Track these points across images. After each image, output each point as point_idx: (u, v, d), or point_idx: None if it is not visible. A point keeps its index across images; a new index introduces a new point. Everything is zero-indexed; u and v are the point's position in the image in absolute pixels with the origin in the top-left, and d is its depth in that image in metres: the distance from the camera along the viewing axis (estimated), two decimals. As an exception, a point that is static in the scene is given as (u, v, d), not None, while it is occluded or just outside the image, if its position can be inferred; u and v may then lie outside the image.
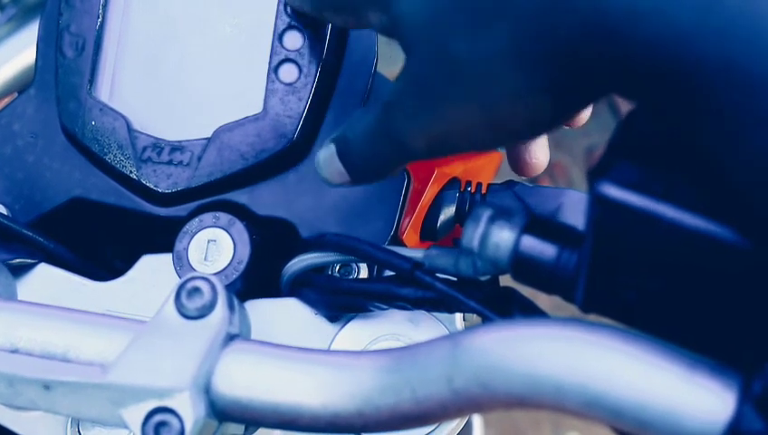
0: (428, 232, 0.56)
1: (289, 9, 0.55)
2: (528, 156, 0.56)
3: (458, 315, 0.52)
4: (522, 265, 0.39)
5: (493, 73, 0.36)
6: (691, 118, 0.31)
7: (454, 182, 0.57)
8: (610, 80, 0.33)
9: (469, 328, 0.37)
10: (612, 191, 0.33)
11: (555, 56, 0.34)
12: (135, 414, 0.40)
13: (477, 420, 0.86)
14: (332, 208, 0.54)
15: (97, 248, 0.60)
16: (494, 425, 1.71)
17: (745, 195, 0.30)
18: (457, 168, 0.58)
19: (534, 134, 0.39)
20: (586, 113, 0.56)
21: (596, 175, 0.33)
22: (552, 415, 1.75)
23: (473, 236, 0.40)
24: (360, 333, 0.52)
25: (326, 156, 0.47)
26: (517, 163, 0.56)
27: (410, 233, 0.54)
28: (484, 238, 0.40)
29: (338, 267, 0.54)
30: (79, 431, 0.53)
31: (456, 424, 0.51)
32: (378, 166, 0.45)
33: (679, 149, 0.33)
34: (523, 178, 0.57)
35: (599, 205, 0.33)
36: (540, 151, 0.56)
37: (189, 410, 0.39)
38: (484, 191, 0.56)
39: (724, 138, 0.30)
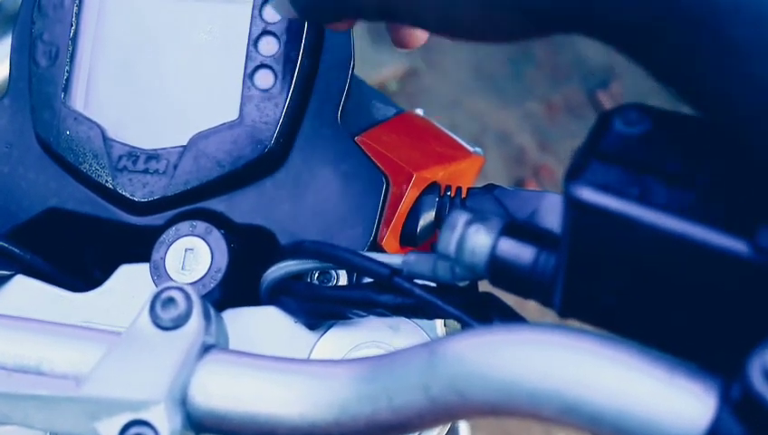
0: (408, 237, 0.55)
1: (264, 15, 0.54)
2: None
3: (439, 321, 0.52)
4: (499, 269, 0.39)
5: None
6: (697, 59, 0.30)
7: (433, 187, 0.57)
8: (599, 13, 0.32)
9: (445, 336, 0.37)
10: (586, 194, 0.32)
11: None
12: (110, 427, 0.39)
13: (463, 423, 0.85)
14: (311, 215, 0.53)
15: (74, 258, 0.60)
16: (483, 427, 1.71)
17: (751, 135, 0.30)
18: (436, 172, 0.58)
19: (484, 34, 0.38)
20: (420, 34, 0.53)
21: (570, 177, 0.33)
22: (541, 418, 1.74)
23: (449, 241, 0.40)
24: (341, 340, 0.52)
25: None
26: (397, 30, 0.53)
27: (390, 239, 0.54)
28: (461, 243, 0.39)
29: (317, 274, 0.53)
30: (56, 445, 0.52)
31: (439, 430, 0.51)
32: (322, 10, 0.45)
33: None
34: (402, 50, 0.54)
35: (573, 208, 0.33)
36: None
37: (165, 422, 0.38)
38: (463, 195, 0.55)
39: (731, 73, 0.29)
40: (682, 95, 0.32)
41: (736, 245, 0.30)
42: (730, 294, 0.31)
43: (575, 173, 0.33)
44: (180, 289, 0.41)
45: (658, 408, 0.31)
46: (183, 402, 0.40)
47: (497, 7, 0.35)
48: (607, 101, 2.07)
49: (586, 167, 0.33)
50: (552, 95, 2.09)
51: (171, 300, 0.41)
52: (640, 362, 0.32)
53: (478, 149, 0.67)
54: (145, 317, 0.41)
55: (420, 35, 0.53)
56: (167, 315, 0.41)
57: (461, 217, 0.40)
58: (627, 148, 0.33)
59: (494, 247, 0.39)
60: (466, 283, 0.43)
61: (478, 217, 0.40)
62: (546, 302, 0.38)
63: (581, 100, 2.10)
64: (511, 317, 0.43)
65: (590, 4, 0.32)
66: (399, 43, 0.54)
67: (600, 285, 0.34)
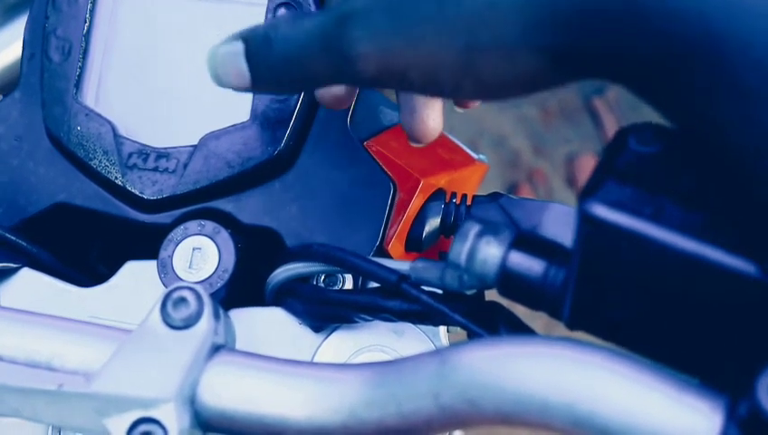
0: (413, 243, 0.56)
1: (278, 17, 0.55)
2: (421, 120, 0.52)
3: (442, 328, 0.52)
4: (509, 281, 0.39)
5: (492, 14, 0.34)
6: (703, 97, 0.31)
7: (439, 193, 0.57)
8: (621, 51, 0.32)
9: (456, 344, 0.37)
10: (601, 211, 0.33)
11: (565, 15, 0.33)
12: (119, 424, 0.39)
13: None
14: (318, 218, 0.54)
15: (81, 253, 0.60)
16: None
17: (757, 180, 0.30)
18: (442, 178, 0.58)
19: (498, 94, 0.37)
20: (435, 125, 0.53)
21: (585, 194, 0.33)
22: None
23: (460, 251, 0.40)
24: (344, 343, 0.52)
25: (228, 51, 0.43)
26: (411, 126, 0.52)
27: (395, 244, 0.54)
28: (472, 254, 0.40)
29: (323, 277, 0.54)
30: (60, 439, 0.52)
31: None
32: (298, 77, 0.41)
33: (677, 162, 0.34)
34: (415, 144, 0.53)
35: (587, 224, 0.33)
36: (434, 116, 0.52)
37: (174, 421, 0.39)
38: (469, 203, 0.56)
39: (740, 117, 0.30)
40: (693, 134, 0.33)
41: (746, 265, 0.31)
42: (738, 314, 0.32)
43: (590, 190, 0.33)
44: (192, 289, 0.41)
45: (666, 424, 0.32)
46: (192, 402, 0.40)
47: (520, 54, 0.35)
48: (602, 108, 2.08)
49: (601, 184, 0.34)
50: (548, 100, 2.10)
51: (183, 300, 0.41)
52: (649, 379, 0.33)
53: (482, 157, 0.67)
54: (156, 316, 0.41)
55: (435, 126, 0.53)
56: (178, 315, 0.41)
57: (472, 229, 0.40)
58: (641, 167, 0.34)
59: (504, 259, 0.39)
60: (474, 291, 0.44)
61: (489, 228, 0.40)
62: (555, 314, 0.39)
63: (577, 105, 2.11)
64: (518, 327, 0.44)
65: (612, 45, 0.32)
66: (460, 102, 0.54)
67: (610, 299, 0.35)
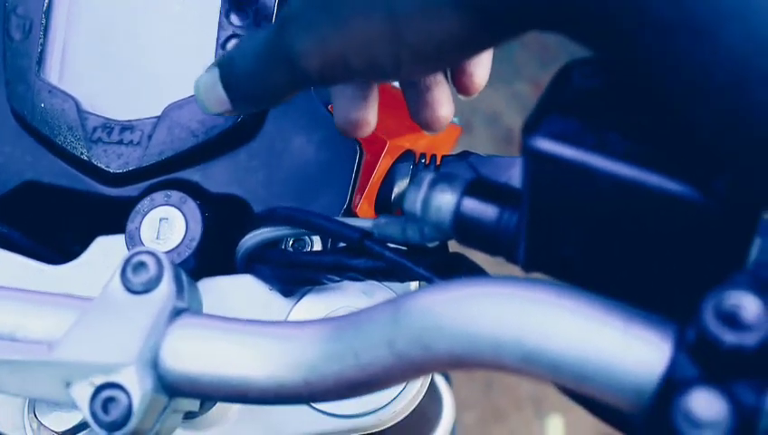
0: (383, 205, 0.56)
1: None
2: (430, 109, 0.51)
3: (413, 285, 0.52)
4: (464, 227, 0.39)
5: None
6: (631, 38, 0.30)
7: (408, 155, 0.57)
8: (535, 7, 0.32)
9: (410, 292, 0.37)
10: (544, 144, 0.33)
11: None
12: (83, 391, 0.39)
13: (448, 401, 0.85)
14: (285, 183, 0.54)
15: (52, 231, 0.60)
16: (474, 406, 1.71)
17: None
18: (410, 140, 0.58)
19: (440, 61, 0.38)
20: (481, 76, 0.52)
21: (528, 130, 0.33)
22: (533, 396, 1.75)
23: (415, 200, 0.40)
24: (315, 306, 0.52)
25: (207, 80, 0.44)
26: (419, 113, 0.52)
27: (364, 206, 0.54)
28: (426, 202, 0.40)
29: (291, 242, 0.53)
30: (35, 416, 0.52)
31: (415, 394, 0.51)
32: (263, 90, 0.43)
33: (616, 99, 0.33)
34: (429, 133, 0.53)
35: (532, 159, 0.33)
36: (445, 102, 0.51)
37: (136, 384, 0.39)
38: (438, 163, 0.56)
39: (669, 54, 0.29)
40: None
41: (689, 190, 0.31)
42: (683, 241, 0.32)
43: (533, 126, 0.33)
44: (151, 253, 0.41)
45: (616, 355, 0.31)
46: (154, 365, 0.40)
47: (445, 13, 0.34)
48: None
49: (543, 119, 0.33)
50: (541, 76, 2.09)
51: (142, 264, 0.41)
52: (597, 312, 0.32)
53: (456, 119, 0.67)
54: (116, 281, 0.41)
55: (482, 76, 0.52)
56: (137, 279, 0.41)
57: (426, 177, 0.40)
58: (585, 100, 0.34)
59: (458, 205, 0.39)
60: (436, 244, 0.43)
61: (443, 177, 0.40)
62: (511, 258, 0.38)
63: (570, 80, 2.10)
64: (478, 274, 0.43)
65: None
66: (464, 90, 0.52)
67: (561, 236, 0.35)
